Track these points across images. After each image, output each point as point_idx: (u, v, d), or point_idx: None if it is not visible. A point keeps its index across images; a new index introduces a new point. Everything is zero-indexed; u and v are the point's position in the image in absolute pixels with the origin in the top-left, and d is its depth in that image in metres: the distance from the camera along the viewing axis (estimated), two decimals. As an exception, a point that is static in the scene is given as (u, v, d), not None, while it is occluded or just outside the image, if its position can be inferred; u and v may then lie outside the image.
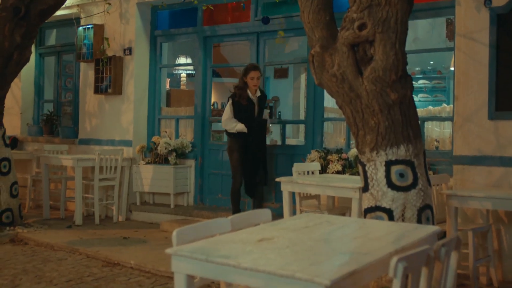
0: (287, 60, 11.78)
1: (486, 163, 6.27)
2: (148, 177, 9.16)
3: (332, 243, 3.65)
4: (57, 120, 11.09)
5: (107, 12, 9.53)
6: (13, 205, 8.52)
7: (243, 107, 7.73)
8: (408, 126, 4.68)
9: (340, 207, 6.94)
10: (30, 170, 10.43)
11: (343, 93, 4.69)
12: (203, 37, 9.19)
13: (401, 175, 4.62)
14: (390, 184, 4.62)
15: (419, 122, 4.96)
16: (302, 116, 12.50)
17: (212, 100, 10.78)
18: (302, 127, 11.21)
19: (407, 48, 4.70)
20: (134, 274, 6.41)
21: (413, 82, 4.81)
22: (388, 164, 4.62)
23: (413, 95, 4.82)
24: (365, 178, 4.76)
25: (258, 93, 7.78)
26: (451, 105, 7.08)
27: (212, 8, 8.63)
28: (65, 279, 6.16)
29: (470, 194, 5.58)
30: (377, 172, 4.67)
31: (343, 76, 4.62)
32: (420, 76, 11.16)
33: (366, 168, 4.73)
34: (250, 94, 7.73)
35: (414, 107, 4.80)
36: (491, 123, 6.26)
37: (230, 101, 7.82)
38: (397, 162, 4.62)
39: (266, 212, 4.32)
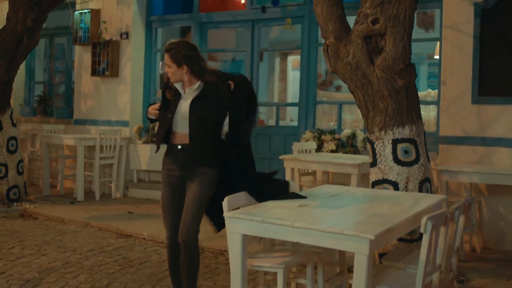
0: (269, 46, 12.33)
1: (469, 143, 6.98)
2: (146, 155, 9.67)
3: (362, 207, 4.29)
4: (51, 101, 11.47)
5: (105, -3, 9.97)
6: (19, 182, 8.94)
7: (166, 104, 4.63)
8: (412, 109, 5.34)
9: (334, 183, 7.58)
10: (25, 149, 10.80)
11: (356, 79, 5.31)
12: (199, 23, 9.72)
13: (406, 152, 5.27)
14: (396, 160, 5.28)
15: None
16: (276, 99, 13.13)
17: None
18: (289, 109, 11.82)
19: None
20: (149, 244, 6.96)
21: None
22: (395, 142, 5.28)
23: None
24: (374, 154, 5.40)
25: (196, 85, 4.51)
26: (436, 90, 7.78)
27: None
28: (86, 249, 6.67)
29: (460, 169, 6.29)
30: (384, 149, 5.32)
31: (357, 64, 5.24)
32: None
33: (375, 146, 5.38)
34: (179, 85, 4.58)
35: (416, 92, 5.47)
36: (474, 106, 6.96)
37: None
38: (402, 140, 5.27)
39: (293, 184, 4.92)
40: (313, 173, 7.73)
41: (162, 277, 5.64)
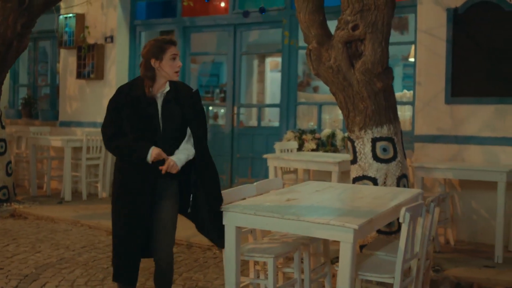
0: (248, 48, 12.63)
1: (443, 141, 7.36)
2: (131, 156, 9.92)
3: (345, 201, 4.64)
4: (36, 104, 11.69)
5: (90, 2, 10.19)
6: (8, 183, 9.17)
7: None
8: (389, 109, 5.71)
9: (315, 180, 7.93)
10: (11, 151, 10.98)
11: (337, 82, 5.66)
12: (183, 27, 10.02)
13: (384, 150, 5.63)
14: (375, 157, 5.64)
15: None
16: (255, 100, 13.46)
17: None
18: (268, 111, 12.15)
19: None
20: (139, 240, 7.23)
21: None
22: (374, 141, 5.63)
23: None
24: (354, 152, 5.75)
25: (167, 88, 4.21)
26: (411, 91, 8.17)
27: (192, 4, 9.36)
28: (79, 246, 6.94)
29: (434, 166, 6.66)
30: (364, 147, 5.67)
31: (338, 68, 5.59)
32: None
33: (355, 144, 5.73)
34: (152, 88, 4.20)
35: (393, 94, 5.83)
36: (447, 107, 7.35)
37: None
38: (381, 139, 5.63)
39: (278, 181, 5.26)
40: (295, 171, 8.07)
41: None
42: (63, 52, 10.85)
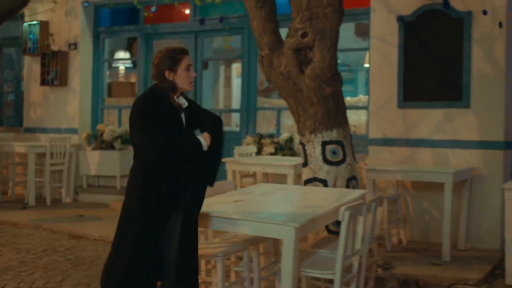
0: (213, 55, 12.81)
1: (395, 144, 7.60)
2: (95, 161, 10.07)
3: (291, 202, 4.85)
4: (1, 110, 11.76)
5: (53, 10, 10.30)
6: (-29, 189, 9.24)
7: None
8: (338, 114, 5.93)
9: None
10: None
11: (288, 87, 5.87)
12: (145, 34, 10.19)
13: (334, 153, 5.85)
14: (325, 160, 5.85)
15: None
16: (221, 105, 13.64)
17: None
18: (234, 115, 12.27)
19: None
20: (100, 244, 7.37)
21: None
22: (324, 144, 5.85)
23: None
24: (305, 155, 5.97)
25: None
26: (366, 96, 8.42)
27: (151, 15, 9.49)
28: (40, 249, 7.05)
29: (385, 168, 6.91)
30: (315, 150, 5.88)
31: (289, 74, 5.80)
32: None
33: (306, 148, 5.94)
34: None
35: (342, 98, 6.06)
36: (399, 111, 7.59)
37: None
38: (330, 142, 5.85)
39: (230, 183, 5.45)
40: (254, 175, 8.26)
41: (113, 272, 6.06)
42: (27, 59, 10.94)
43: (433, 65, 7.40)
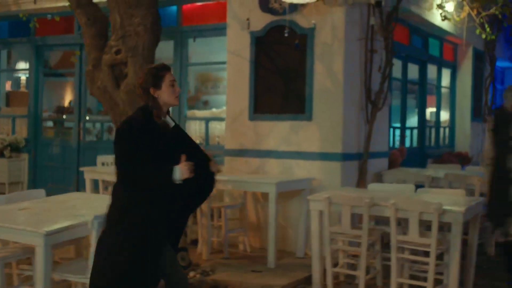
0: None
1: (247, 155, 7.90)
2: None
3: (72, 209, 5.09)
4: None
5: None
6: None
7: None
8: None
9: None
10: None
11: (106, 101, 6.16)
12: (36, 46, 10.46)
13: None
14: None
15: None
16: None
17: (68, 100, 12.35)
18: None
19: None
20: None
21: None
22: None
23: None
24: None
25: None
26: (229, 108, 8.71)
27: (37, 26, 9.77)
28: None
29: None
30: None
31: (105, 88, 6.10)
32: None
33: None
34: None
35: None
36: (251, 123, 7.90)
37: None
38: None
39: (40, 192, 5.71)
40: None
41: None
42: None
43: (280, 79, 7.71)
